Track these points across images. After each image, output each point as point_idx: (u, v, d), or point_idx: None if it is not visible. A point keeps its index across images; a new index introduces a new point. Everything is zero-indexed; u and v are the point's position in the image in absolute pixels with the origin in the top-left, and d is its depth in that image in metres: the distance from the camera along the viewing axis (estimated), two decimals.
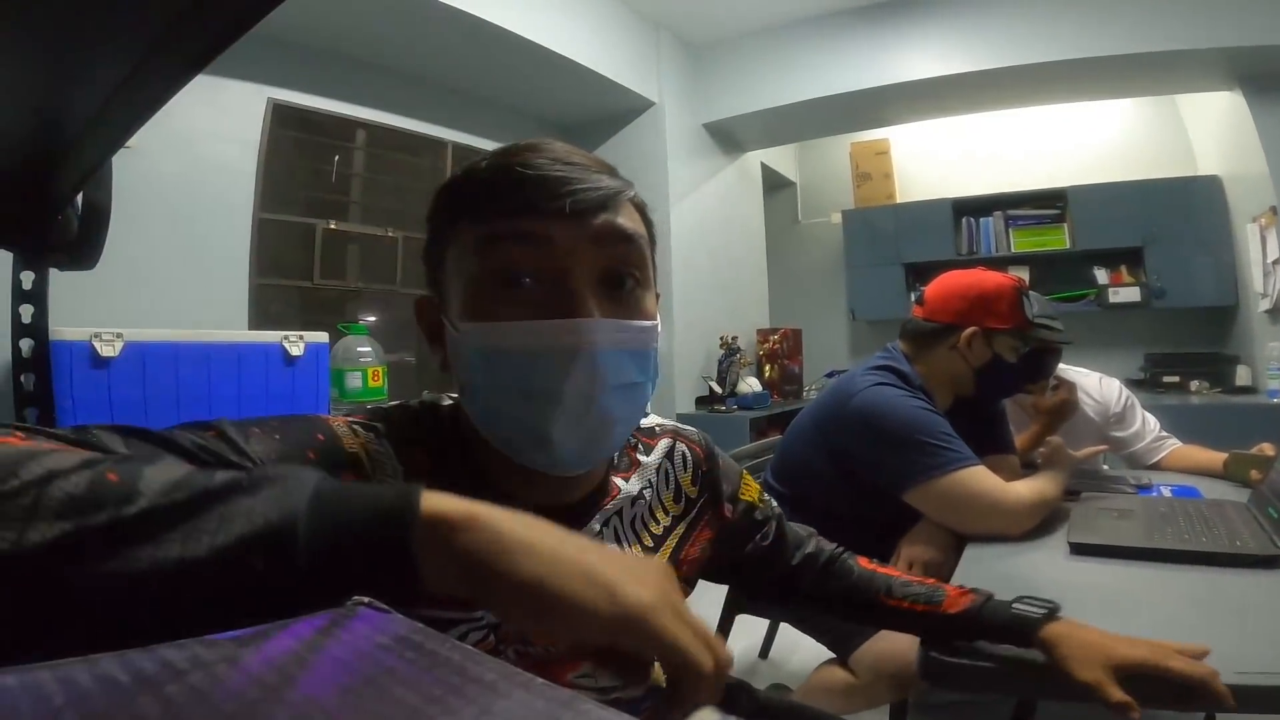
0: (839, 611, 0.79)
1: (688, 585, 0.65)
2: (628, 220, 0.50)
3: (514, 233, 0.47)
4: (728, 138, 3.94)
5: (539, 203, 0.46)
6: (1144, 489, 1.36)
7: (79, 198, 0.87)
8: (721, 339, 3.68)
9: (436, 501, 0.32)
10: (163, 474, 0.29)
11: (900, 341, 1.34)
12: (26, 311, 0.92)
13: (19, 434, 0.34)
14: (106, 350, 1.66)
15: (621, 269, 0.50)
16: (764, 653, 2.00)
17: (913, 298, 1.43)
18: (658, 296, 0.58)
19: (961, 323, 1.24)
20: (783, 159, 4.74)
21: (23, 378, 0.93)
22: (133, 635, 0.23)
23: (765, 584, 0.78)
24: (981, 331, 1.23)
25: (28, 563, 0.25)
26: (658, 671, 0.71)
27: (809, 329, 4.26)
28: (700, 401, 3.57)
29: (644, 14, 3.37)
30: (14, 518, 0.26)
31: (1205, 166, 3.69)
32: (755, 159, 4.34)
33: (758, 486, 0.75)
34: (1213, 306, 3.57)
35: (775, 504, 0.77)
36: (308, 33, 2.52)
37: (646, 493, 0.62)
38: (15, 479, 0.27)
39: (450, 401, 0.56)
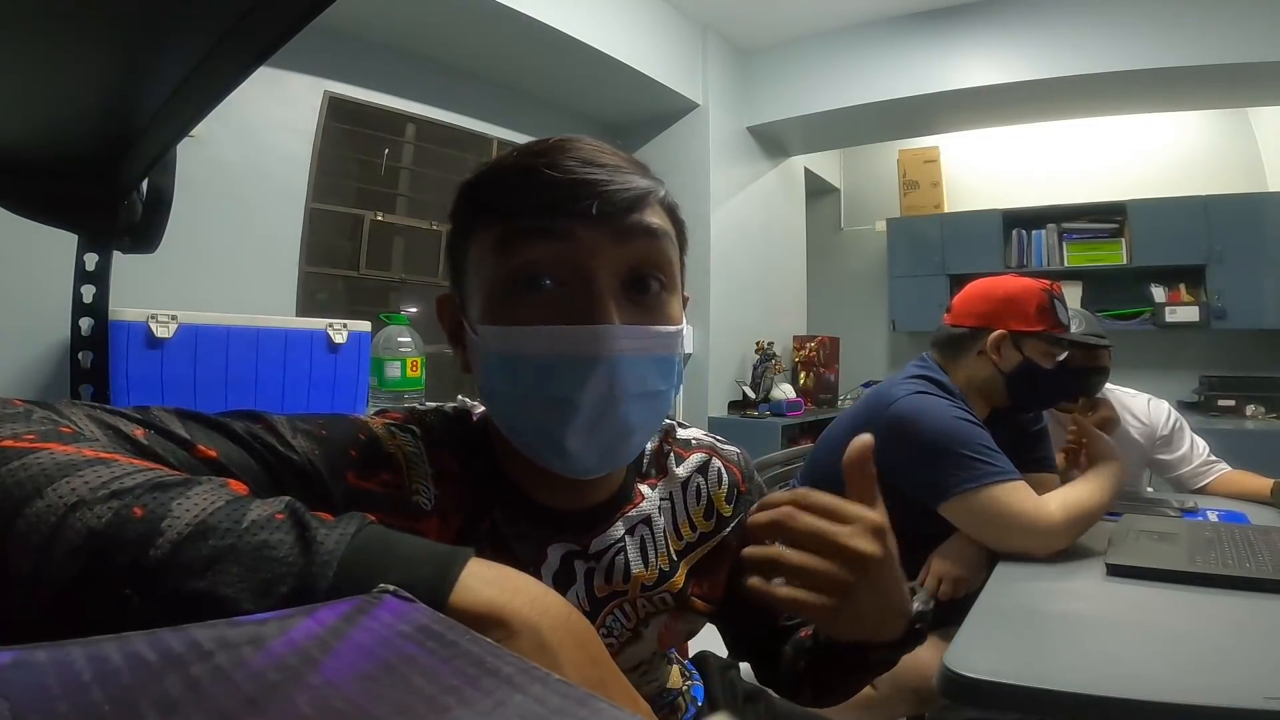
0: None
1: (714, 606, 0.64)
2: (655, 219, 0.48)
3: (536, 232, 0.45)
4: (772, 141, 3.91)
5: (563, 203, 0.45)
6: (1189, 513, 1.31)
7: (144, 183, 0.91)
8: (757, 344, 3.65)
9: (469, 590, 0.30)
10: (193, 508, 0.29)
11: (932, 350, 1.32)
12: (88, 292, 0.95)
13: (71, 425, 0.34)
14: (162, 331, 1.73)
15: (646, 270, 0.48)
16: None
17: (942, 307, 1.40)
18: (686, 300, 0.55)
19: (988, 325, 1.22)
20: (827, 164, 4.68)
21: (80, 355, 0.96)
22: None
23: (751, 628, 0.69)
24: (1009, 335, 1.20)
25: (42, 592, 0.26)
26: (675, 673, 0.71)
27: (847, 338, 4.19)
28: (733, 406, 3.55)
29: (691, 16, 3.36)
30: (32, 545, 0.26)
31: (1277, 183, 3.53)
32: (799, 164, 4.29)
33: None
34: (1276, 329, 3.41)
35: None
36: (363, 26, 2.58)
37: (665, 504, 0.61)
38: (40, 498, 0.27)
39: (482, 407, 0.56)
